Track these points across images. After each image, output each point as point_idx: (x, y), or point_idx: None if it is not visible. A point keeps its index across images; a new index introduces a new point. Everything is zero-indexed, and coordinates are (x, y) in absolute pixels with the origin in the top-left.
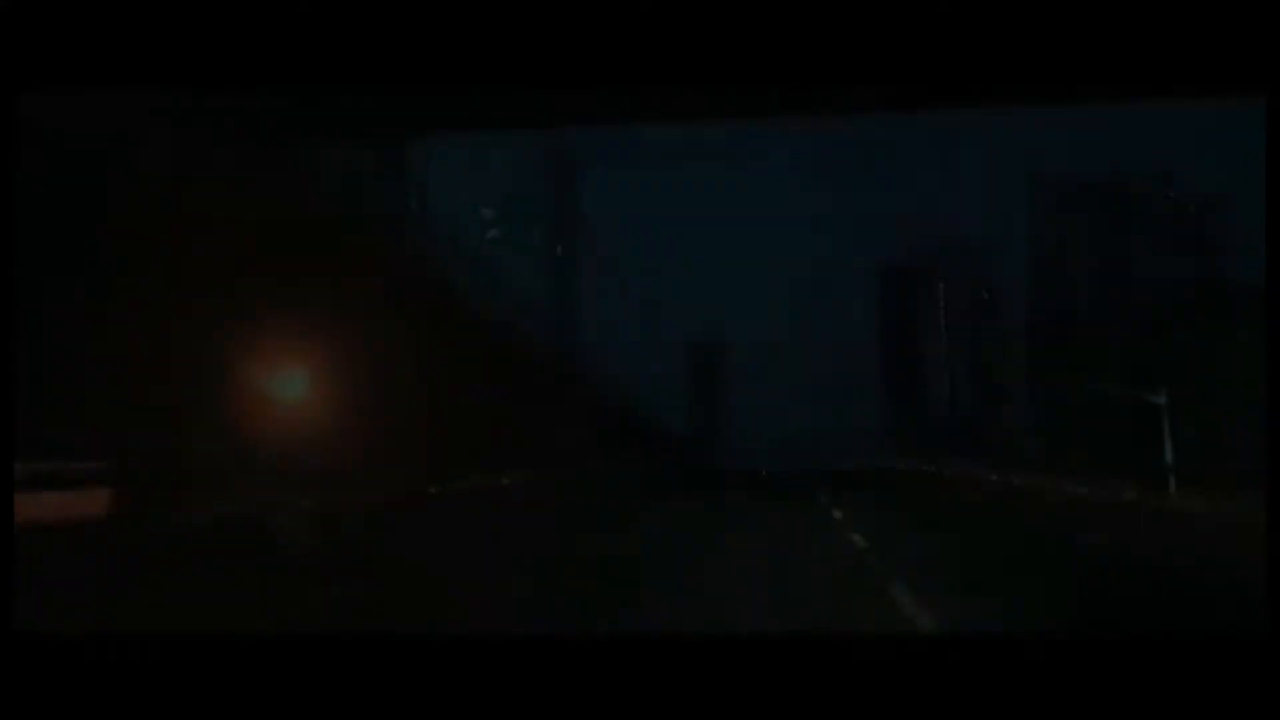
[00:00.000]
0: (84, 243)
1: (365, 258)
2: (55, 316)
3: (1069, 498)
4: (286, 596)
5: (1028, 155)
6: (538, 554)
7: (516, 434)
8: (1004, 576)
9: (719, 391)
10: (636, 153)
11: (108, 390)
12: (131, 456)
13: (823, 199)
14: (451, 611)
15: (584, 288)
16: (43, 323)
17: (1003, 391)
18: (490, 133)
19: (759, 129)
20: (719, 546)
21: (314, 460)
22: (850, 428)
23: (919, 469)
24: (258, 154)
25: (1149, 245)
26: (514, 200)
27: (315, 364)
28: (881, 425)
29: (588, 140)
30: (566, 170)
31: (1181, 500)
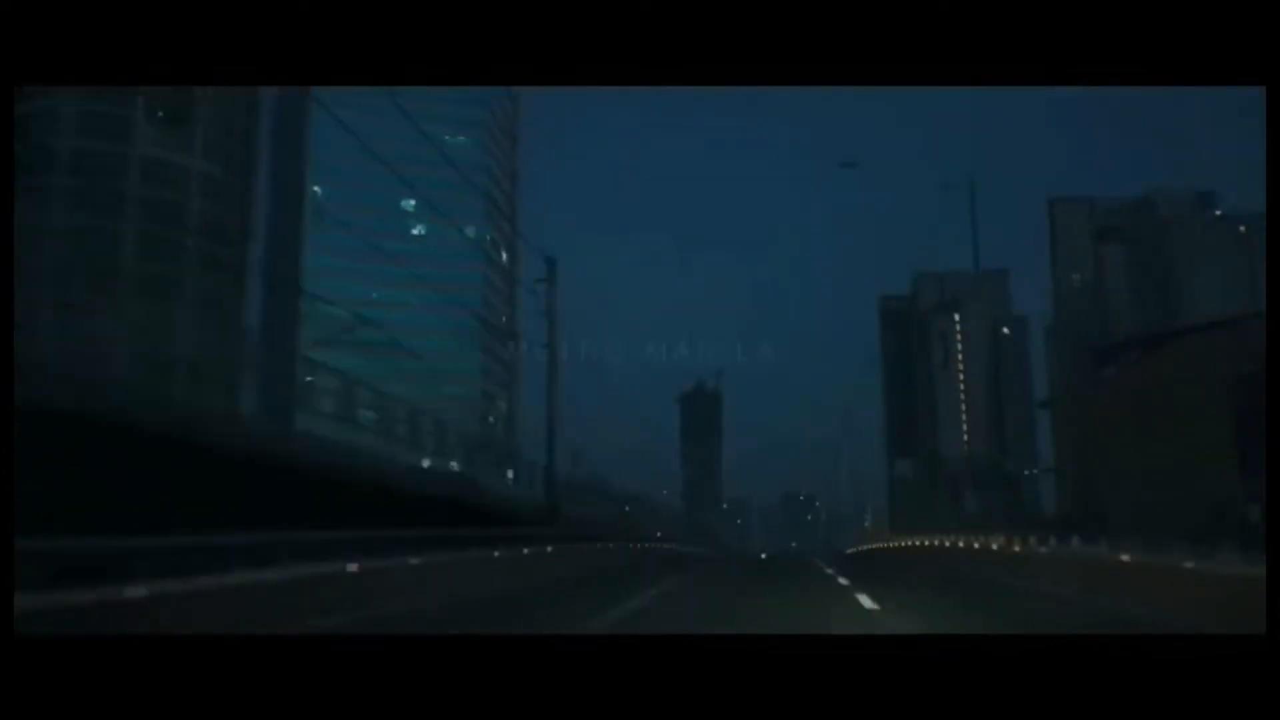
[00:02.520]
0: None
1: None
2: None
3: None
4: None
5: (1047, 182)
6: None
7: None
8: None
9: (711, 448)
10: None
11: None
12: None
13: (825, 230)
14: None
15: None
16: None
17: (1026, 438)
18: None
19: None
20: None
21: None
22: (850, 481)
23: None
24: None
25: (1192, 271)
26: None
27: None
28: (891, 478)
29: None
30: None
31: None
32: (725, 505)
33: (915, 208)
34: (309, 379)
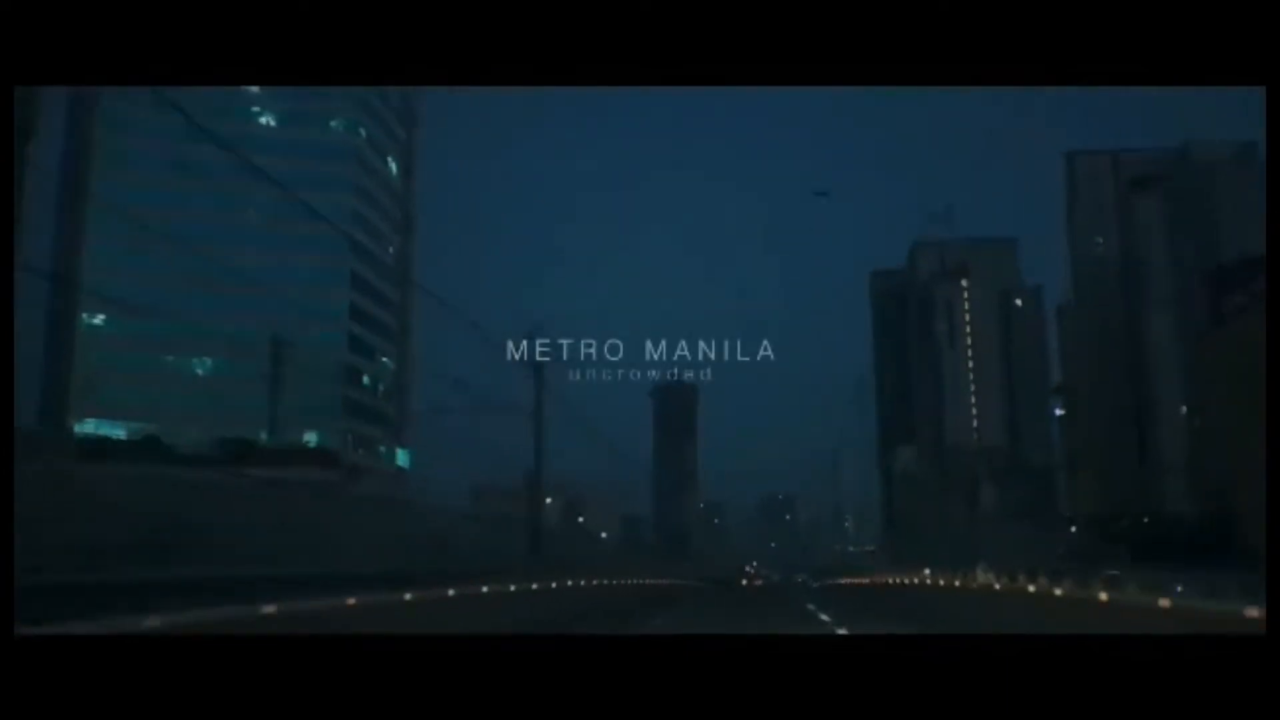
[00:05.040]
0: None
1: None
2: None
3: None
4: None
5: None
6: None
7: None
8: None
9: (687, 446)
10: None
11: None
12: None
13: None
14: None
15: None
16: None
17: (1044, 424)
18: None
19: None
20: None
21: None
22: (834, 480)
23: None
24: None
25: (1243, 227)
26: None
27: None
28: (887, 472)
29: None
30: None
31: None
32: (703, 505)
33: (913, 185)
34: None
